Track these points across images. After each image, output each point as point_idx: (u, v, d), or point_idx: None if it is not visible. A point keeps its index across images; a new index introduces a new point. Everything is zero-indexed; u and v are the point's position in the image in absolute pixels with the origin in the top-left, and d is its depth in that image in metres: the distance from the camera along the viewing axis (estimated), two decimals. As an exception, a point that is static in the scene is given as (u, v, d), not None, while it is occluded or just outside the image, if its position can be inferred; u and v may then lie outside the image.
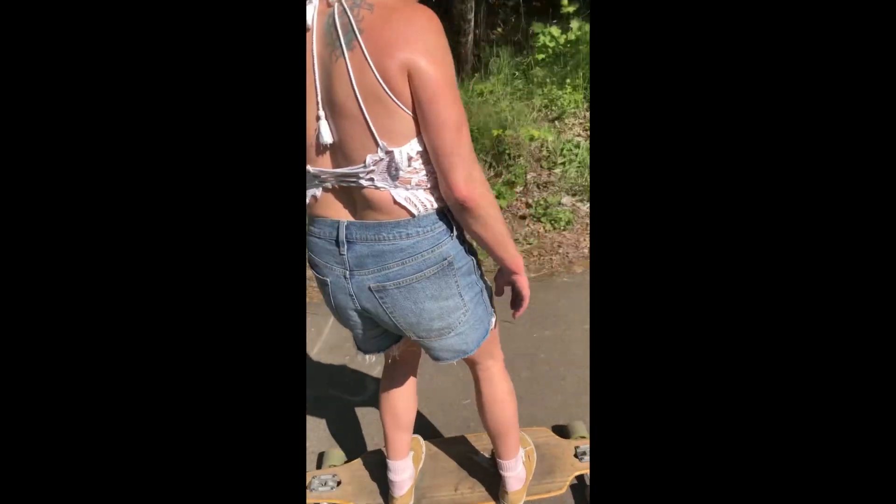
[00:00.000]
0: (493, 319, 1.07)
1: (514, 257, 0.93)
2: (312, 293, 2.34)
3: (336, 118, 0.80)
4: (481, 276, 1.01)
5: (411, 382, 1.28)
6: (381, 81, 0.74)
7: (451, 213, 0.89)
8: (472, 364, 1.14)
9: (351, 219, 0.89)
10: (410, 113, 0.77)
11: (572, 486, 1.40)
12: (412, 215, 0.85)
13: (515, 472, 1.28)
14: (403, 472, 1.30)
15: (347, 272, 0.91)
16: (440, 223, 0.88)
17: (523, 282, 0.98)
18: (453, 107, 0.76)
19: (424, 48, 0.73)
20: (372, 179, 0.82)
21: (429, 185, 0.85)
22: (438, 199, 0.86)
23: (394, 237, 0.86)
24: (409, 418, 1.29)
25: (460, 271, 0.93)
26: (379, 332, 1.08)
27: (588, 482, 1.40)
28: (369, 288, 0.91)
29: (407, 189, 0.83)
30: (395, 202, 0.84)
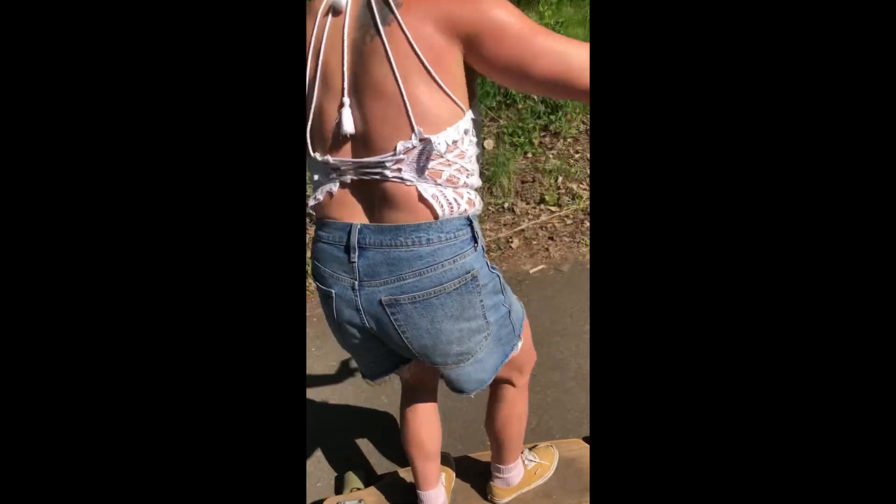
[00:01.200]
0: (520, 344, 0.96)
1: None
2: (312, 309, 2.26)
3: (368, 101, 0.73)
4: (509, 296, 0.90)
5: (433, 408, 1.18)
6: (421, 57, 0.69)
7: (475, 222, 0.81)
8: (497, 378, 1.02)
9: (366, 221, 0.80)
10: (452, 95, 0.71)
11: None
12: (435, 216, 0.76)
13: (511, 474, 1.26)
14: (436, 501, 1.23)
15: (356, 282, 0.81)
16: (464, 230, 0.79)
17: None
18: (537, 36, 0.68)
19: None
20: (399, 170, 0.74)
21: (459, 183, 0.77)
22: (468, 201, 0.79)
23: (412, 242, 0.76)
24: (436, 447, 1.19)
25: (486, 289, 0.83)
26: (385, 351, 0.95)
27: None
28: (380, 302, 0.80)
29: (436, 184, 0.75)
30: (421, 198, 0.75)
